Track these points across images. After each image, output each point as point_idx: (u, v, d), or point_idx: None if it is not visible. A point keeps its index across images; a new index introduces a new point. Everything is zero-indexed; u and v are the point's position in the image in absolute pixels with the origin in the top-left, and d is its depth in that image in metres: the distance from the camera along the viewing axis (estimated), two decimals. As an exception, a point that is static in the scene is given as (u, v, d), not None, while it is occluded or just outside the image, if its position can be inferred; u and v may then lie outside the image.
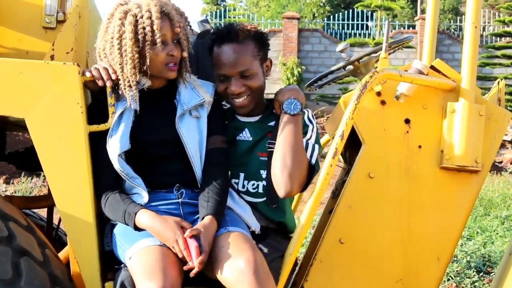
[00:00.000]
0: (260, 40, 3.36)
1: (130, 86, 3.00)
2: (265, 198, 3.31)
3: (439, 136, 3.39)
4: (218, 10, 35.21)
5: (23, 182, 11.61)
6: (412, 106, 3.41)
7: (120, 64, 3.00)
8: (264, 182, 3.31)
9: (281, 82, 25.93)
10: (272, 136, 3.28)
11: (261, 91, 3.35)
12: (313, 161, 3.24)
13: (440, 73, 3.48)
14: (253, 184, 3.33)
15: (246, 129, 3.38)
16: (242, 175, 3.34)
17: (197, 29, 3.75)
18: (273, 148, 3.23)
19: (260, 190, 3.33)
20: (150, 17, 2.98)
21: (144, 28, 2.97)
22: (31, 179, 11.72)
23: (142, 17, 2.98)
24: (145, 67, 3.02)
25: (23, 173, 11.95)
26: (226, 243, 2.87)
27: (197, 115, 3.15)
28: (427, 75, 3.40)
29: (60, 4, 3.29)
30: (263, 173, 3.31)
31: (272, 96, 3.37)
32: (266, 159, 3.29)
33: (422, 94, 3.40)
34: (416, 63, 3.41)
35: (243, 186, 3.34)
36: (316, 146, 3.28)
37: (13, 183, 11.99)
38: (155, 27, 2.97)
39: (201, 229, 2.87)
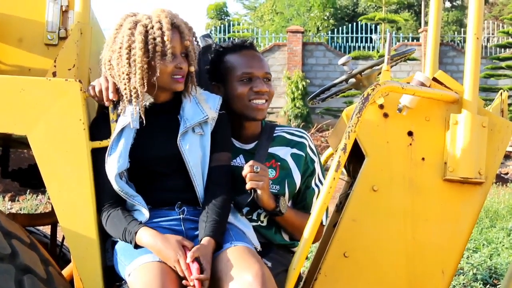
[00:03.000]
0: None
1: (137, 97, 2.99)
2: (259, 223, 3.32)
3: (442, 148, 3.38)
4: (222, 25, 35.27)
5: (28, 200, 11.61)
6: (415, 119, 3.40)
7: (127, 75, 2.97)
8: (260, 210, 3.33)
9: (286, 96, 25.95)
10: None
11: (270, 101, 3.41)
12: (325, 222, 3.43)
13: (442, 85, 3.47)
14: (248, 210, 3.33)
15: (240, 156, 3.39)
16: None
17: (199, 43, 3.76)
18: None
19: (254, 216, 3.34)
20: (160, 28, 2.97)
21: (154, 39, 2.96)
22: (36, 197, 11.73)
23: (152, 28, 2.97)
24: (154, 78, 3.01)
25: (28, 190, 11.97)
26: (233, 257, 2.85)
27: (201, 132, 3.12)
28: (429, 87, 3.39)
29: (61, 21, 3.30)
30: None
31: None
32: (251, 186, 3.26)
33: (425, 106, 3.39)
34: (418, 75, 3.41)
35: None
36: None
37: (18, 200, 11.99)
38: (165, 38, 2.96)
39: (200, 251, 2.85)
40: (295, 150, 3.41)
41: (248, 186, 3.14)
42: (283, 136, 3.45)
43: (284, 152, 3.40)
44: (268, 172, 3.19)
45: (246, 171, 3.13)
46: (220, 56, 3.38)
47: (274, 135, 3.44)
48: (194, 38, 3.17)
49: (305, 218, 3.20)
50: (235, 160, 3.36)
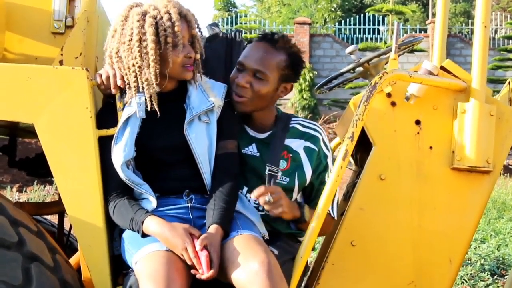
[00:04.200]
0: (293, 60, 3.34)
1: (149, 88, 2.97)
2: (267, 212, 3.31)
3: (450, 136, 3.38)
4: (229, 17, 35.23)
5: (36, 190, 11.63)
6: (423, 107, 3.40)
7: (139, 67, 2.97)
8: None
9: (293, 87, 25.89)
10: (272, 160, 3.29)
11: (263, 102, 3.31)
12: (335, 214, 3.36)
13: (450, 74, 3.46)
14: (255, 201, 3.31)
15: (253, 144, 3.36)
16: (245, 188, 3.32)
17: (206, 33, 3.74)
18: (274, 172, 3.25)
19: (261, 207, 3.32)
20: (170, 19, 2.96)
21: (165, 30, 2.94)
22: (44, 187, 11.75)
23: (162, 19, 2.95)
24: (167, 70, 3.01)
25: (35, 181, 11.99)
26: (239, 245, 2.85)
27: (207, 120, 3.12)
28: (437, 75, 3.38)
29: (68, 9, 3.29)
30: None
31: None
32: (269, 172, 3.26)
33: (432, 95, 3.39)
34: (426, 64, 3.40)
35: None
36: (337, 195, 3.34)
37: (26, 191, 12.02)
38: (176, 29, 2.96)
39: (208, 239, 2.85)
40: (308, 144, 3.36)
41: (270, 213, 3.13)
42: (297, 128, 3.39)
43: (297, 145, 3.36)
44: (281, 191, 3.13)
45: (261, 201, 3.08)
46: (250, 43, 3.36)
47: (289, 126, 3.42)
48: (197, 25, 3.16)
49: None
50: (247, 148, 3.34)
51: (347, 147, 3.11)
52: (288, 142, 3.35)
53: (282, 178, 3.31)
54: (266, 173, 3.25)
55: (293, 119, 3.44)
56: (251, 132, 3.37)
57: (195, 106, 3.11)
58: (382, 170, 3.38)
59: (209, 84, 3.21)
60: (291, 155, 3.35)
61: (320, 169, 3.37)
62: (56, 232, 4.32)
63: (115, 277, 3.10)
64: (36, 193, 11.44)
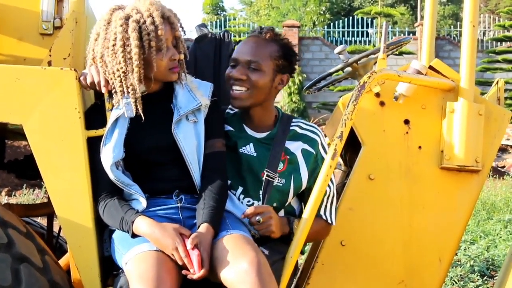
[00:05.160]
0: (285, 51, 3.35)
1: (134, 93, 2.97)
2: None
3: (438, 136, 3.39)
4: (218, 20, 35.24)
5: (25, 194, 11.59)
6: (411, 107, 3.41)
7: (124, 72, 2.95)
8: (260, 203, 3.27)
9: (282, 91, 25.94)
10: (269, 164, 3.28)
11: (262, 95, 3.29)
12: (333, 221, 3.34)
13: (439, 73, 3.47)
14: (249, 201, 3.29)
15: (250, 144, 3.33)
16: (240, 188, 3.30)
17: (195, 33, 3.75)
18: (271, 177, 3.25)
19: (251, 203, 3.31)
20: (153, 23, 2.94)
21: (148, 34, 2.93)
22: (33, 191, 11.71)
23: (145, 23, 2.94)
24: (152, 74, 3.01)
25: (24, 185, 11.95)
26: (228, 245, 2.85)
27: (194, 119, 3.12)
28: (425, 75, 3.39)
29: (56, 10, 3.29)
30: (261, 193, 3.28)
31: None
32: (267, 178, 3.26)
33: (421, 95, 3.40)
34: (415, 63, 3.41)
35: (238, 199, 3.30)
36: (334, 201, 3.33)
37: (15, 195, 11.98)
38: (159, 33, 2.95)
39: (199, 238, 2.85)
40: (306, 146, 3.34)
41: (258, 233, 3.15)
42: (296, 130, 3.37)
43: (295, 147, 3.33)
44: (271, 211, 3.13)
45: (250, 221, 3.10)
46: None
47: (290, 129, 3.39)
48: (180, 25, 3.14)
49: (316, 224, 3.21)
50: (244, 148, 3.31)
51: (336, 146, 3.11)
52: (287, 144, 3.33)
53: (278, 180, 3.30)
54: (264, 178, 3.25)
55: (293, 120, 3.42)
56: (249, 131, 3.35)
57: (182, 106, 3.11)
58: (371, 170, 3.39)
59: (195, 83, 3.21)
60: (288, 156, 3.32)
61: (317, 173, 3.30)
62: (45, 234, 4.32)
63: (105, 279, 3.09)
64: (25, 197, 11.39)
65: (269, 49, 3.28)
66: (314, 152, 3.34)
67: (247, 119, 3.35)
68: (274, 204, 3.27)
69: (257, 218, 3.07)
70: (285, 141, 3.33)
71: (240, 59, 3.24)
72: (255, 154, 3.30)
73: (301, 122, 3.44)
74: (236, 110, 3.36)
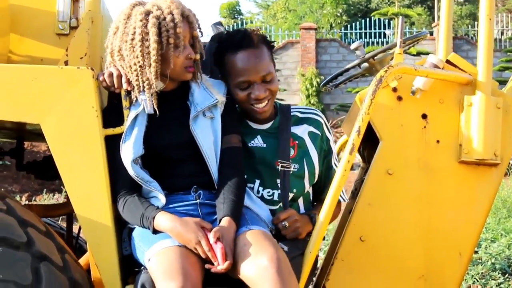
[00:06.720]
0: (269, 44, 3.38)
1: (149, 88, 2.99)
2: (280, 205, 3.31)
3: (457, 130, 3.37)
4: (235, 23, 35.28)
5: (45, 199, 11.66)
6: (429, 101, 3.39)
7: (141, 67, 2.98)
8: (279, 191, 3.31)
9: (300, 93, 25.95)
10: (281, 155, 3.32)
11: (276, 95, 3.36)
12: (346, 198, 3.48)
13: (456, 67, 3.46)
14: (269, 192, 3.32)
15: (258, 136, 3.38)
16: (257, 181, 3.34)
17: (211, 32, 3.75)
18: (286, 167, 3.28)
19: (276, 198, 3.33)
20: (173, 20, 2.97)
21: (167, 31, 2.96)
22: (53, 195, 11.77)
23: (165, 20, 2.97)
24: (168, 71, 3.03)
25: (44, 190, 12.01)
26: (248, 241, 2.85)
27: (211, 115, 3.14)
28: (442, 69, 3.38)
29: (72, 10, 3.31)
30: (279, 182, 3.31)
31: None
32: (282, 168, 3.29)
33: (439, 89, 3.38)
34: (432, 58, 3.39)
35: (258, 192, 3.33)
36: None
37: (35, 200, 12.04)
38: (178, 30, 2.97)
39: (221, 231, 2.86)
40: (312, 128, 3.42)
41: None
42: (297, 115, 3.45)
43: (301, 131, 3.41)
44: (295, 214, 3.24)
45: (280, 226, 3.19)
46: (221, 55, 3.33)
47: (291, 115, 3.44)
48: (198, 25, 3.15)
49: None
50: (253, 141, 3.37)
51: (354, 141, 3.11)
52: (292, 129, 3.39)
53: (293, 166, 3.33)
54: (279, 170, 3.29)
55: (292, 107, 3.50)
56: (254, 125, 3.40)
57: (199, 103, 3.13)
58: (389, 165, 3.37)
59: (210, 82, 3.24)
60: (297, 142, 3.40)
61: (324, 153, 3.43)
62: (65, 234, 4.33)
63: (125, 277, 3.10)
64: (45, 202, 11.45)
65: (265, 53, 3.32)
66: (320, 133, 3.44)
67: (248, 115, 3.39)
68: (294, 190, 3.35)
69: (283, 223, 3.15)
70: (290, 127, 3.39)
71: (252, 79, 3.25)
72: (264, 145, 3.35)
73: (300, 108, 3.54)
74: (236, 106, 3.39)
